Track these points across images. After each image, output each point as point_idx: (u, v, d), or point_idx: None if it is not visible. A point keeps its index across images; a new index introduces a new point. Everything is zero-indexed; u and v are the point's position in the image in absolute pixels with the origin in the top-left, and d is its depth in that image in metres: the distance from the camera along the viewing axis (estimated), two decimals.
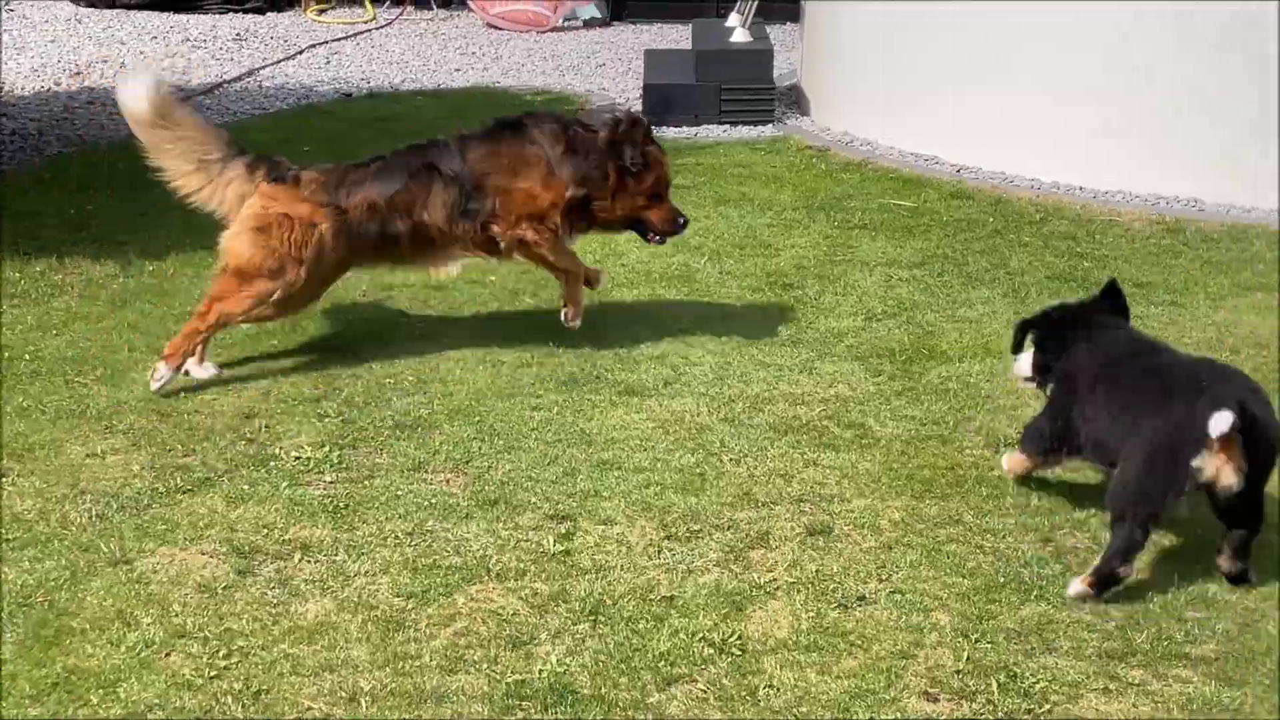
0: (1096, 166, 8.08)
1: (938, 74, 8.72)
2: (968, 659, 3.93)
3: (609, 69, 11.94)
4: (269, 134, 9.27)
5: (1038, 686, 3.81)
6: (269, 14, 14.07)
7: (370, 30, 13.52)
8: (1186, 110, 7.94)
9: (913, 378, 5.76)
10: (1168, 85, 7.97)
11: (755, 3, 10.21)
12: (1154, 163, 7.99)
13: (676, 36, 12.85)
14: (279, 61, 11.90)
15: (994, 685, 3.81)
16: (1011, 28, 8.36)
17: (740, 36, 10.02)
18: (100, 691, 3.64)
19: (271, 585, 4.22)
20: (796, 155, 8.98)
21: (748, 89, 9.57)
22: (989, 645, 4.00)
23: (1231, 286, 6.68)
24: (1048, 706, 3.73)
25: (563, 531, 4.57)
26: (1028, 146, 8.35)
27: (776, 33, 12.34)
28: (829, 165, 8.76)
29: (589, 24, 13.83)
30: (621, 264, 7.06)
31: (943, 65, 8.65)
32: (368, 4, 14.22)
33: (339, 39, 13.05)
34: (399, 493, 4.77)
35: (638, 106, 10.16)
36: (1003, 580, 4.33)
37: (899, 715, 3.70)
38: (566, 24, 13.72)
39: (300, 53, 12.35)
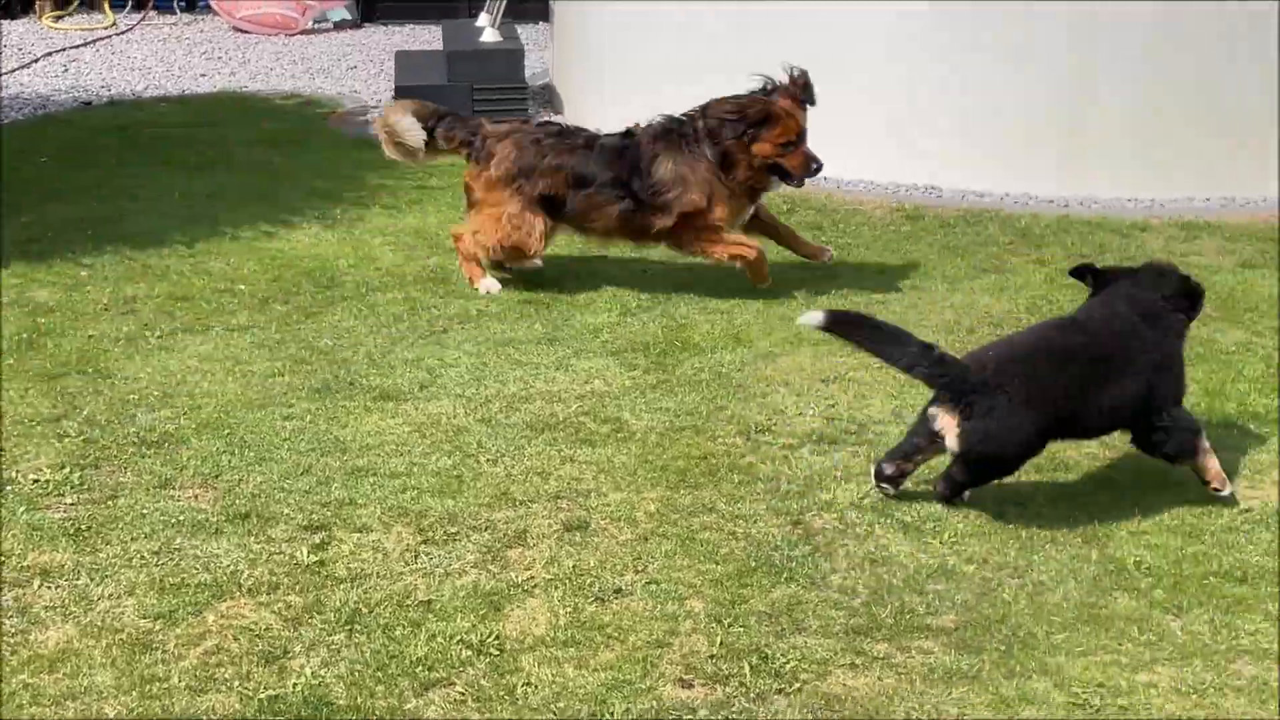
0: (841, 157, 8.30)
1: (683, 71, 8.85)
2: (721, 643, 4.00)
3: (360, 71, 11.79)
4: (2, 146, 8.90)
5: (788, 666, 3.90)
6: (2, 21, 13.48)
7: (110, 36, 13.07)
8: (923, 103, 8.24)
9: (667, 370, 5.85)
10: (903, 80, 8.25)
11: (504, 2, 10.21)
12: (894, 153, 8.26)
13: (429, 38, 12.76)
14: (13, 70, 11.43)
15: (746, 668, 3.89)
16: (753, 26, 8.54)
17: (490, 36, 10.02)
18: None
19: (9, 614, 4.06)
20: None
21: (500, 89, 9.57)
22: (741, 629, 4.08)
23: (967, 269, 6.95)
24: (797, 685, 3.83)
25: (317, 542, 4.51)
26: None
27: (529, 32, 12.37)
28: None
29: (339, 26, 13.63)
30: (376, 268, 7.00)
31: (689, 63, 8.78)
32: (107, 9, 13.74)
33: (77, 46, 12.59)
34: (144, 511, 4.63)
35: None
36: (754, 564, 4.42)
37: (655, 704, 3.75)
38: (316, 26, 13.49)
39: (35, 61, 11.88)
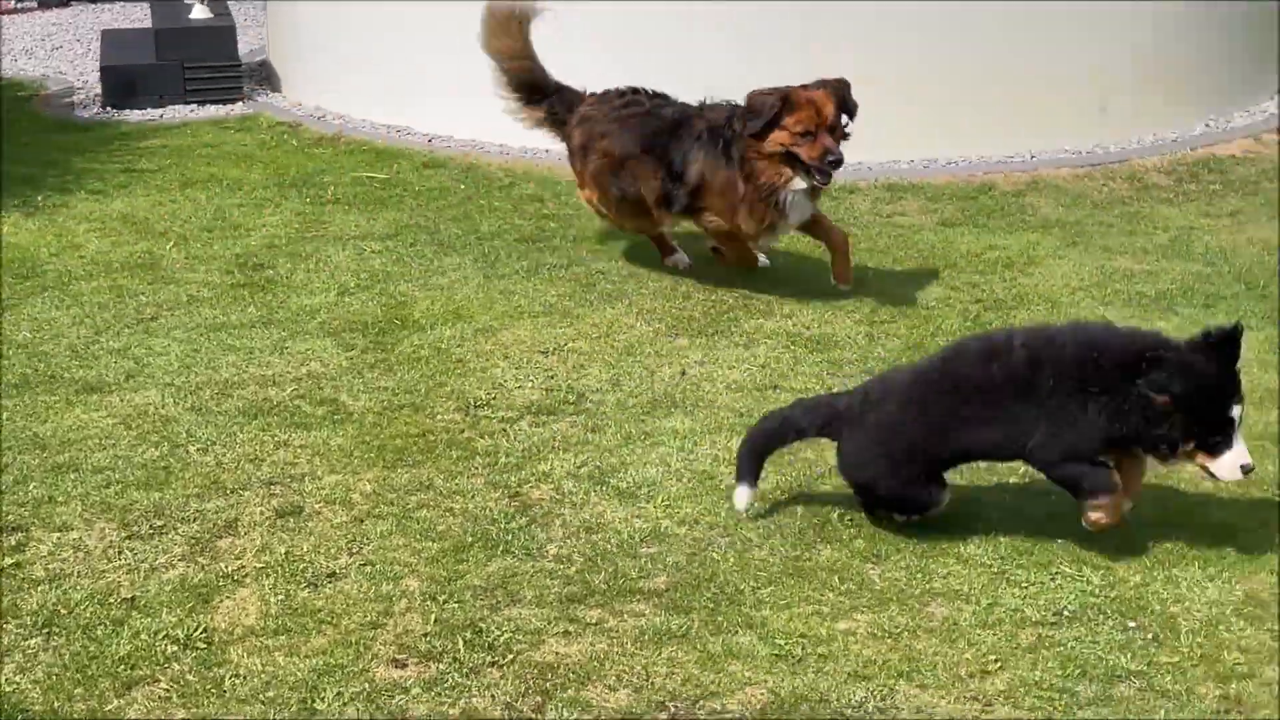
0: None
1: (406, 46, 8.75)
2: (435, 621, 4.00)
3: (66, 51, 11.31)
4: None
5: (502, 638, 3.92)
6: None
7: None
8: (643, 71, 8.31)
9: (386, 349, 5.79)
10: (623, 49, 8.31)
11: None
12: None
13: (139, 15, 12.31)
14: None
15: (460, 643, 3.90)
16: None
17: (200, 13, 9.72)
18: None
19: None
20: (268, 132, 8.81)
21: (211, 67, 9.30)
22: (456, 605, 4.08)
23: (683, 236, 7.06)
24: (511, 656, 3.85)
25: (13, 544, 4.33)
26: (496, 113, 8.51)
27: (247, 9, 12.06)
28: (301, 141, 8.65)
29: (44, 5, 13.04)
30: (80, 255, 6.74)
31: (409, 37, 8.69)
32: None
33: None
34: None
35: (97, 90, 9.70)
36: (471, 539, 4.43)
37: (367, 686, 3.72)
38: (20, 6, 12.89)
39: None
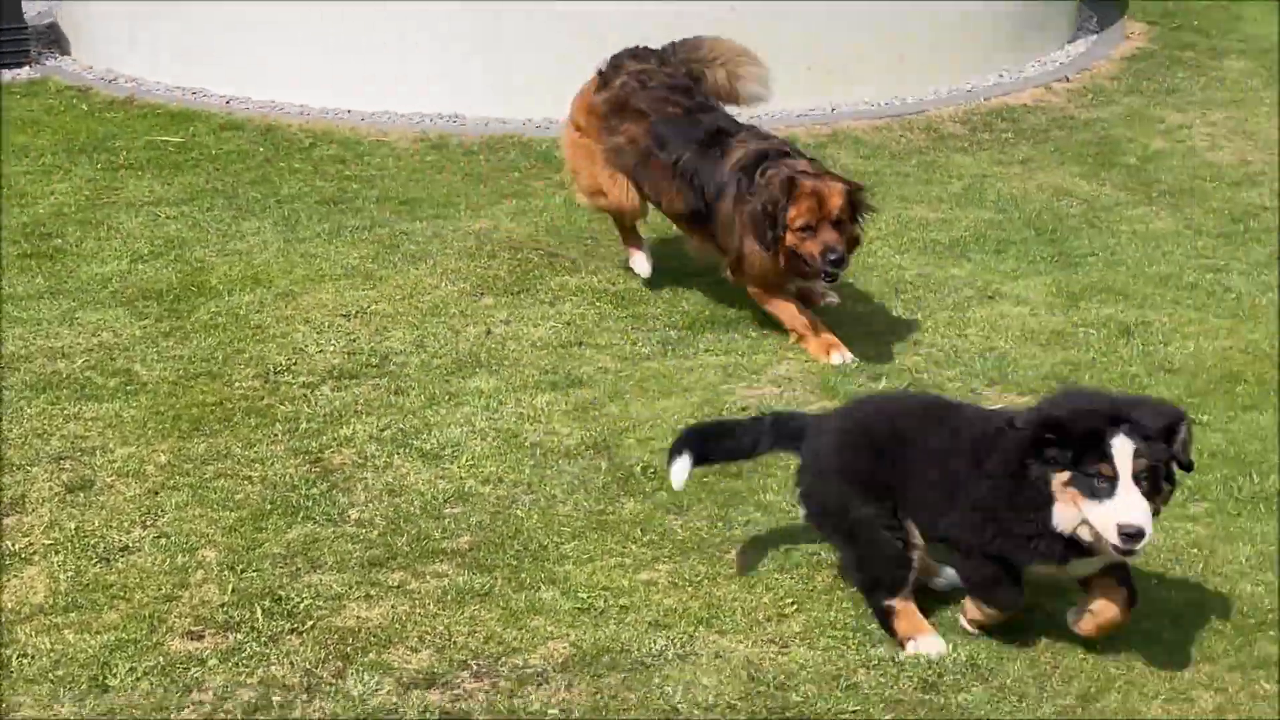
0: (363, 89, 8.21)
1: (201, 4, 8.52)
2: (233, 590, 3.93)
3: None
4: None
5: (302, 605, 3.88)
6: None
7: None
8: (441, 30, 8.22)
9: (181, 316, 5.65)
10: (420, 7, 8.21)
11: None
12: (417, 83, 8.21)
13: None
14: None
15: (259, 612, 3.84)
16: None
17: None
18: None
19: None
20: (56, 97, 8.48)
21: None
22: (255, 573, 4.02)
23: (490, 195, 7.02)
24: (311, 623, 3.80)
25: None
26: (296, 73, 8.34)
27: None
28: (91, 105, 8.35)
29: None
30: None
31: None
32: None
33: None
34: None
35: None
36: (270, 507, 4.36)
37: (161, 660, 3.65)
38: None
39: None
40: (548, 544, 4.17)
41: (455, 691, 3.55)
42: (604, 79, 5.95)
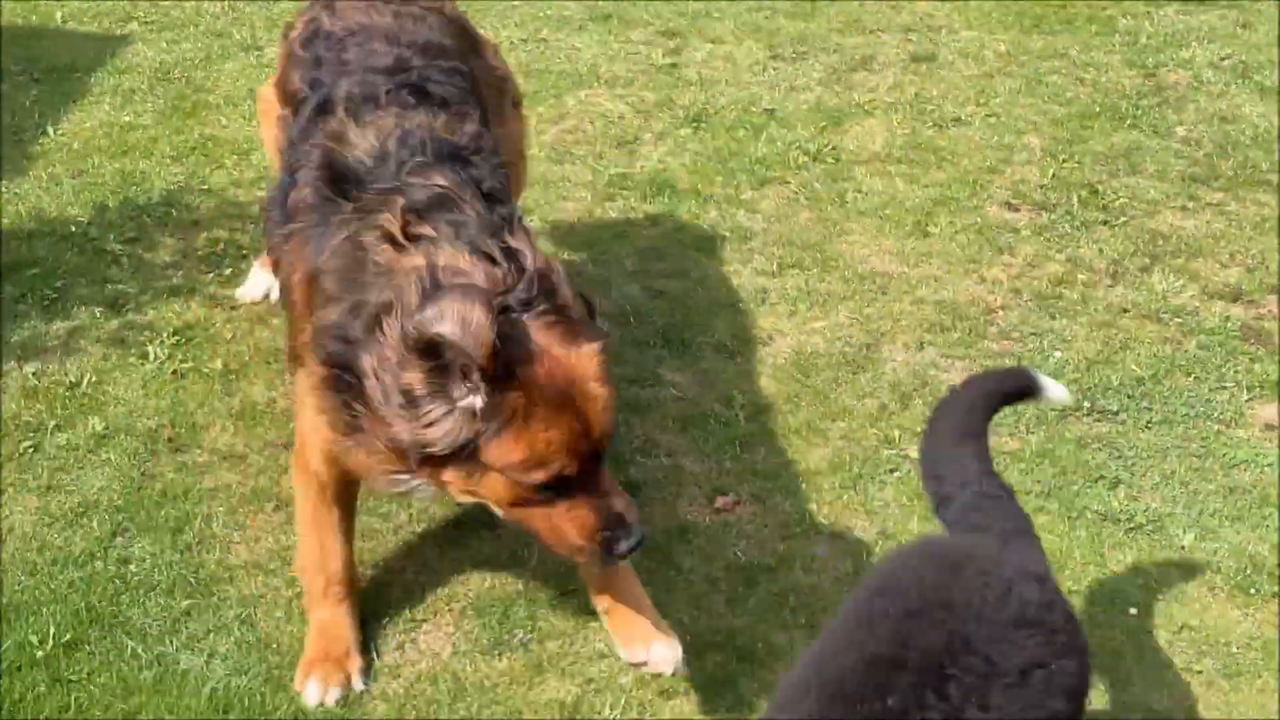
0: None
1: None
2: (1053, 175, 4.07)
3: None
4: None
5: (1117, 202, 3.95)
6: None
7: None
8: None
9: None
10: None
11: None
12: None
13: None
14: None
15: (1075, 199, 3.96)
16: None
17: None
18: (235, 157, 3.94)
19: None
20: None
21: None
22: (1075, 165, 4.13)
23: None
24: (1124, 219, 3.88)
25: (672, 47, 4.71)
26: None
27: None
28: None
29: None
30: None
31: None
32: None
33: None
34: (515, 3, 4.93)
35: None
36: (1098, 109, 4.41)
37: (979, 220, 3.88)
38: None
39: None
40: None
41: (1259, 310, 3.54)
42: None
